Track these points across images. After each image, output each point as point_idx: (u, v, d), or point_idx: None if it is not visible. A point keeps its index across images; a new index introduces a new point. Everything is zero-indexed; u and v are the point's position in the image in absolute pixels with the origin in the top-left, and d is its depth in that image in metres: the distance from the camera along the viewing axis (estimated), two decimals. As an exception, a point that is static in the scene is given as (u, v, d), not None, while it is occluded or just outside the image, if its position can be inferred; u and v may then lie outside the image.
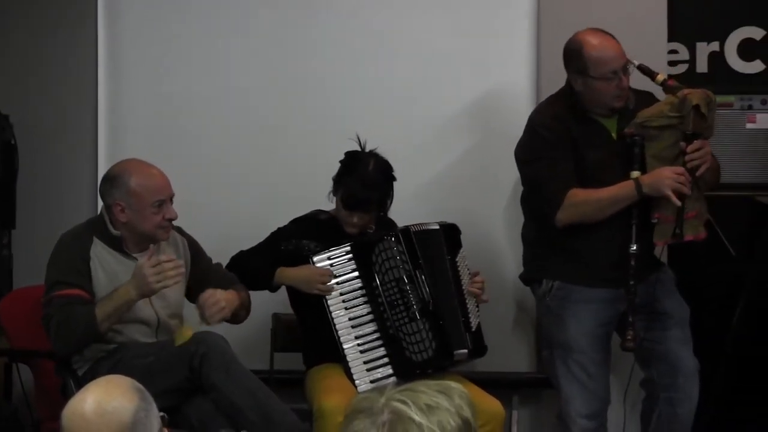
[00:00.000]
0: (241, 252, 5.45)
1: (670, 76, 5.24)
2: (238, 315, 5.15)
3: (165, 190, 4.92)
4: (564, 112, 5.38)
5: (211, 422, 4.81)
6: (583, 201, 5.26)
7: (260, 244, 5.47)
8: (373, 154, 5.40)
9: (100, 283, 4.81)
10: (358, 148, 5.44)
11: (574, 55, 5.31)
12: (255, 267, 5.45)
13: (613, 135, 5.35)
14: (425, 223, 5.45)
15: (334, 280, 5.35)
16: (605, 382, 5.34)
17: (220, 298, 4.96)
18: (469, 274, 5.49)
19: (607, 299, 5.28)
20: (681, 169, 5.14)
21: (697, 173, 5.05)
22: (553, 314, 5.39)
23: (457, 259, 5.42)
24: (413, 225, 5.37)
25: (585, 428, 5.38)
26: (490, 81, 5.90)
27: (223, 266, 5.44)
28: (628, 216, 5.21)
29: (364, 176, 5.31)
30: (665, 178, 5.16)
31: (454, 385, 2.52)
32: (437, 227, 5.44)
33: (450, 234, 5.47)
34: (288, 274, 5.36)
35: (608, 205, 5.24)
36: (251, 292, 5.44)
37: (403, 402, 2.44)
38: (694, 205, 5.13)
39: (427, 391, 2.47)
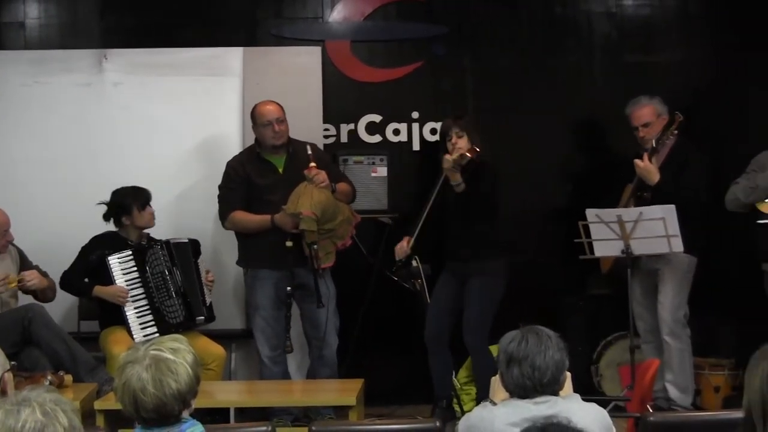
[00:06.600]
0: (66, 272, 6.19)
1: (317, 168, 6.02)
2: (46, 294, 6.13)
3: (6, 225, 6.12)
4: (246, 157, 6.19)
5: (36, 364, 5.74)
6: (238, 220, 6.16)
7: (76, 261, 6.20)
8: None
9: None
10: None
11: (252, 113, 6.27)
12: (80, 286, 6.21)
13: (280, 170, 6.16)
14: (180, 238, 6.39)
15: (121, 274, 6.15)
16: (282, 328, 6.10)
17: (35, 273, 6.03)
18: (206, 271, 6.42)
19: (277, 277, 6.16)
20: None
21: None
22: (249, 287, 6.36)
23: (198, 261, 6.39)
24: (172, 238, 6.35)
25: (267, 355, 6.27)
26: (216, 148, 6.65)
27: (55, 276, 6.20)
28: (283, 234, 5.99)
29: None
30: (289, 224, 5.88)
31: (177, 336, 2.81)
32: (187, 240, 6.39)
33: (195, 246, 6.43)
34: (101, 290, 6.14)
35: (254, 228, 6.11)
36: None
37: (157, 349, 2.70)
38: (321, 247, 5.99)
39: (166, 341, 2.74)
